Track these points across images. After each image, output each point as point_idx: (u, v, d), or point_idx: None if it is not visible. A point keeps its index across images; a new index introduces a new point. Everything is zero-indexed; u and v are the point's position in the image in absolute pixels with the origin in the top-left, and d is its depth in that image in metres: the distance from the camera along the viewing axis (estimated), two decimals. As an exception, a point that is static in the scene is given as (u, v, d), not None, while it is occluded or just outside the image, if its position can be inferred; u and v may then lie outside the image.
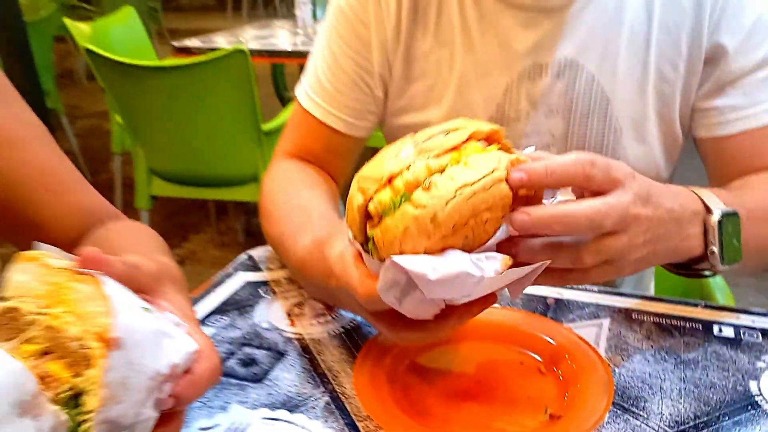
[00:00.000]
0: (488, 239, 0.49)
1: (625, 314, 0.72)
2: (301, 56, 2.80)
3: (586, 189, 0.52)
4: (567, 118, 0.84)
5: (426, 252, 0.46)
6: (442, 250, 0.47)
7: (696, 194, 0.61)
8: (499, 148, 0.50)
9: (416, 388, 0.61)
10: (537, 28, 0.81)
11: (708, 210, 0.60)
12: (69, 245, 0.55)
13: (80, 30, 2.96)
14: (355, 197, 0.49)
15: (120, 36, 3.20)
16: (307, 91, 0.91)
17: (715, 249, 0.60)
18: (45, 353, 0.37)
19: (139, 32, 3.42)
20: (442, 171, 0.47)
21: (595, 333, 0.68)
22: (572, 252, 0.52)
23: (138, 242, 0.66)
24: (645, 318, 0.71)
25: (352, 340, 0.69)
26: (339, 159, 0.93)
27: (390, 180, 0.47)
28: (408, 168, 0.47)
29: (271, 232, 0.81)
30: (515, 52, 0.82)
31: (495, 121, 0.84)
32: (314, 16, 3.19)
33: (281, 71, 3.84)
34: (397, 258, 0.45)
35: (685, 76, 0.81)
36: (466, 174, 0.46)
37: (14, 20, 2.85)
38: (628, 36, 0.80)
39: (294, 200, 0.81)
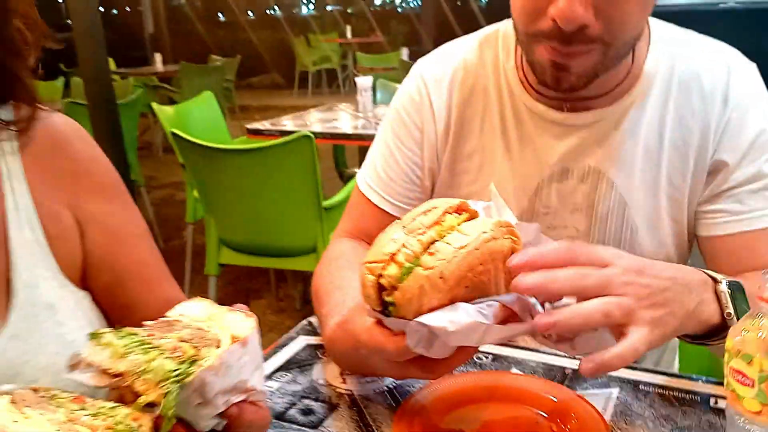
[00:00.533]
0: (485, 288, 0.62)
1: (633, 385, 0.82)
2: (360, 139, 3.04)
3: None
4: (589, 216, 0.96)
5: (439, 303, 0.60)
6: (451, 300, 0.61)
7: (697, 269, 0.71)
8: (468, 217, 0.65)
9: (445, 438, 0.73)
10: (566, 140, 0.95)
11: (714, 280, 0.70)
12: None
13: (165, 113, 3.33)
14: (367, 278, 0.63)
15: (199, 117, 3.56)
16: (365, 179, 1.07)
17: (731, 311, 0.68)
18: (183, 341, 0.54)
19: (215, 113, 3.78)
20: (433, 242, 0.62)
21: (604, 400, 0.79)
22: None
23: None
24: (650, 389, 0.81)
25: (393, 397, 0.82)
26: None
27: (392, 257, 0.62)
28: (404, 246, 0.62)
29: (317, 311, 0.94)
30: (547, 158, 0.96)
31: (527, 214, 0.99)
32: (374, 101, 3.46)
33: (342, 150, 4.10)
34: (419, 318, 0.60)
35: (692, 185, 0.94)
36: (461, 239, 0.61)
37: (108, 103, 3.22)
38: (643, 151, 0.93)
39: (337, 281, 0.93)
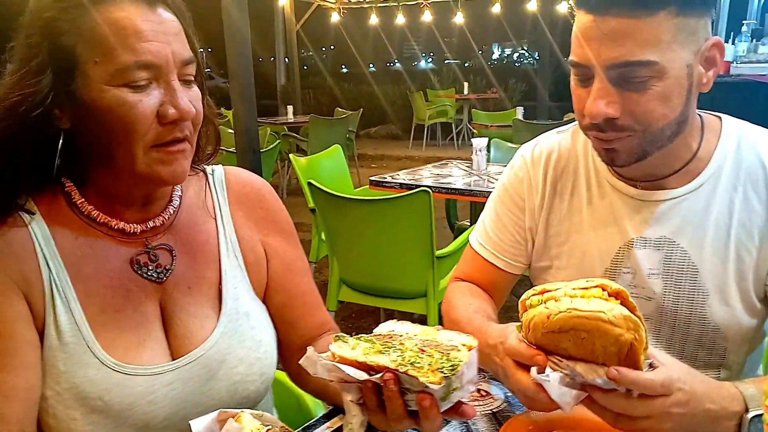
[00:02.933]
0: (583, 353, 0.77)
1: None
2: (472, 195, 3.24)
3: None
4: (665, 280, 1.11)
5: (542, 335, 0.77)
6: (551, 342, 0.77)
7: (742, 394, 0.83)
8: (620, 303, 0.75)
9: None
10: (642, 212, 1.12)
11: (747, 409, 0.83)
12: (304, 345, 0.90)
13: (299, 163, 3.74)
14: (526, 294, 0.82)
15: (327, 167, 3.95)
16: (477, 238, 1.30)
17: None
18: (421, 349, 0.73)
19: (341, 164, 4.16)
20: (572, 297, 0.77)
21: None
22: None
23: None
24: None
25: (496, 418, 1.00)
26: (496, 290, 1.29)
27: (542, 292, 0.80)
28: (556, 290, 0.80)
29: (452, 325, 1.15)
30: (626, 227, 1.13)
31: (610, 272, 1.16)
32: (488, 159, 3.67)
33: (454, 204, 4.33)
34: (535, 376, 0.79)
35: (757, 259, 1.06)
36: (581, 303, 0.75)
37: (253, 152, 3.68)
38: (713, 226, 1.08)
39: (472, 306, 1.17)
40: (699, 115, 1.11)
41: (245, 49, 3.41)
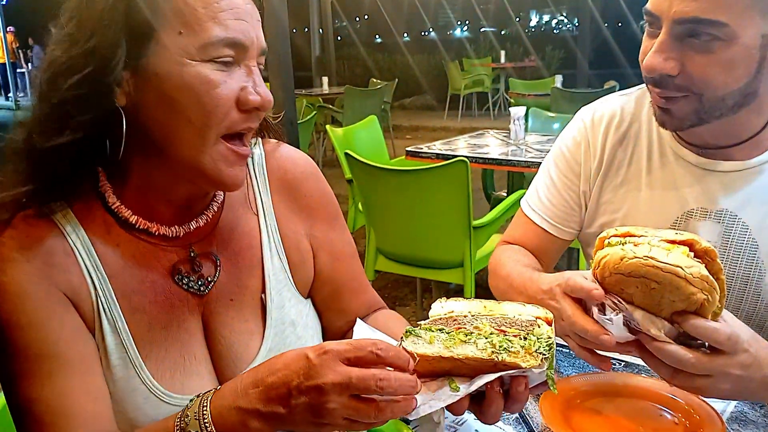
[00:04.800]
0: (648, 301, 0.75)
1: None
2: (510, 164, 3.22)
3: None
4: (721, 254, 1.08)
5: (611, 275, 0.75)
6: (618, 283, 0.75)
7: None
8: (705, 265, 0.75)
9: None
10: (705, 182, 1.09)
11: None
12: (349, 328, 0.88)
13: (336, 134, 3.76)
14: (606, 232, 0.81)
15: (364, 138, 3.97)
16: (529, 203, 1.29)
17: None
18: (500, 327, 0.69)
19: (377, 135, 4.16)
20: (652, 245, 0.75)
21: (724, 404, 0.93)
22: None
23: (398, 323, 1.01)
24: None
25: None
26: (545, 255, 1.28)
27: (625, 235, 0.79)
28: (641, 236, 0.78)
29: (498, 281, 1.18)
30: (687, 197, 1.10)
31: None
32: (526, 129, 3.62)
33: (490, 174, 4.30)
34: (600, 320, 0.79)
35: None
36: (659, 254, 0.72)
37: (291, 125, 3.71)
38: None
39: (521, 261, 1.17)
40: None
41: (282, 24, 3.42)
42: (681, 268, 0.71)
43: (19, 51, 15.19)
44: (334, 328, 1.03)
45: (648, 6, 0.97)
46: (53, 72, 0.74)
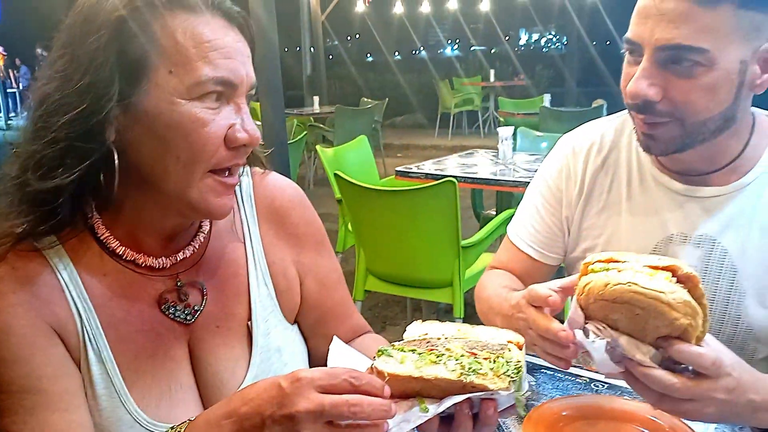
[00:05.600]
0: (632, 328, 0.75)
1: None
2: (498, 184, 3.24)
3: None
4: (702, 277, 1.07)
5: (595, 302, 0.75)
6: (602, 309, 0.75)
7: None
8: (688, 290, 0.74)
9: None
10: (684, 208, 1.11)
11: None
12: None
13: (326, 154, 3.78)
14: (591, 258, 0.81)
15: (353, 158, 3.99)
16: (514, 229, 1.31)
17: None
18: (471, 349, 0.69)
19: (367, 155, 4.19)
20: (636, 271, 0.75)
21: (704, 426, 0.94)
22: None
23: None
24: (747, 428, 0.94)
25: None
26: (532, 280, 1.27)
27: (608, 261, 0.79)
28: (623, 262, 0.78)
29: (482, 305, 1.19)
30: (665, 222, 1.12)
31: None
32: (514, 148, 3.65)
33: (480, 193, 4.33)
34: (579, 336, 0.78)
35: None
36: (643, 279, 0.72)
37: (281, 145, 3.74)
38: (758, 228, 1.06)
39: (502, 284, 1.19)
40: (752, 113, 1.09)
41: (272, 45, 3.46)
42: (664, 293, 0.72)
43: (9, 71, 15.20)
44: (320, 353, 1.03)
45: (629, 35, 0.99)
46: (46, 110, 0.75)
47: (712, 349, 0.77)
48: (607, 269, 0.77)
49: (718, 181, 1.09)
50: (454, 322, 0.78)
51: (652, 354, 0.76)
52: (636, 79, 0.97)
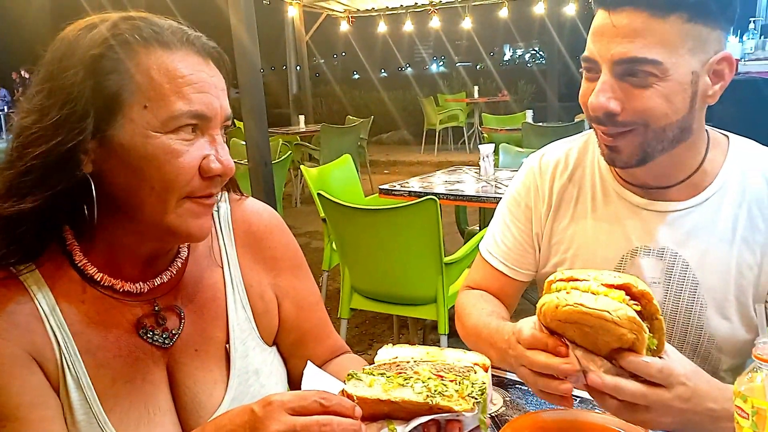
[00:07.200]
0: (589, 345, 0.80)
1: None
2: (480, 201, 3.29)
3: None
4: (665, 289, 1.14)
5: (551, 321, 0.80)
6: (559, 328, 0.80)
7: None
8: (640, 309, 0.79)
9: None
10: (647, 222, 1.15)
11: None
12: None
13: (310, 173, 3.81)
14: (554, 276, 0.85)
15: (338, 177, 4.01)
16: (486, 248, 1.35)
17: None
18: (439, 371, 0.71)
19: (351, 173, 4.21)
20: (589, 291, 0.79)
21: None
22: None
23: (359, 367, 1.01)
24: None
25: (495, 423, 1.05)
26: (506, 297, 1.33)
27: (569, 279, 0.83)
28: (583, 281, 0.82)
29: (468, 331, 1.21)
30: (629, 235, 1.16)
31: None
32: (496, 165, 3.70)
33: (463, 209, 4.37)
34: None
35: (758, 275, 1.09)
36: (588, 300, 0.77)
37: (265, 165, 3.76)
38: (717, 241, 1.10)
39: (485, 310, 1.21)
40: (707, 130, 1.13)
41: (254, 66, 3.50)
42: (608, 312, 0.76)
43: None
44: (299, 373, 1.04)
45: (586, 53, 1.05)
46: (22, 141, 0.78)
47: (662, 359, 0.81)
48: (563, 289, 0.81)
49: (677, 195, 1.13)
50: (439, 338, 0.82)
51: (607, 366, 0.81)
52: (596, 93, 1.02)
